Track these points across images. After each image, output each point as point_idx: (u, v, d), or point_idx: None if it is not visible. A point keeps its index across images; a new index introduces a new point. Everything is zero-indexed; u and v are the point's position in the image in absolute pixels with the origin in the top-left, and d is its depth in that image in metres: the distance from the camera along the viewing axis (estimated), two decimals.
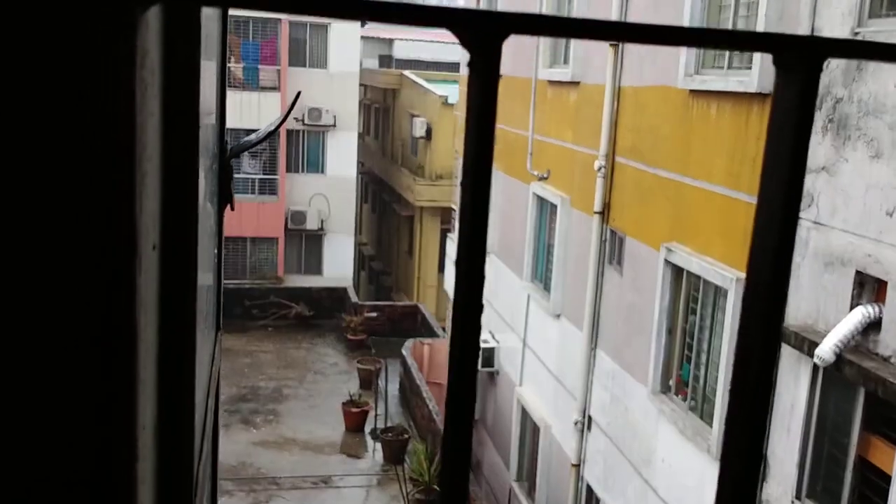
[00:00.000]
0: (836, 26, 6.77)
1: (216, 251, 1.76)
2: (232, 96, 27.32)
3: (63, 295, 0.57)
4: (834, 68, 6.80)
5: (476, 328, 0.50)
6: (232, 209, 1.89)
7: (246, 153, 24.82)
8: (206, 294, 1.49)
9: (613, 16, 10.39)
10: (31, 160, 0.54)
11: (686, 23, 8.79)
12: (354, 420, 18.02)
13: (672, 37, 0.58)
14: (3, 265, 0.55)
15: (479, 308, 0.50)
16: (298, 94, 3.15)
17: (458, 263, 0.51)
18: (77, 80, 0.54)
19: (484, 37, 0.51)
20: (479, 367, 15.01)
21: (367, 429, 18.04)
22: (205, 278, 1.46)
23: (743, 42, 0.59)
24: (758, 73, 7.56)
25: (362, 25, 27.34)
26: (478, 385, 15.87)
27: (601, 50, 10.78)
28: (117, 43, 0.54)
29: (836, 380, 6.63)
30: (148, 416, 0.76)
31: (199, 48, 0.89)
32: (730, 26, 8.32)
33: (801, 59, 0.53)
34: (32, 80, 0.53)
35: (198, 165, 0.95)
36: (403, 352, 19.44)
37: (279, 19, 25.47)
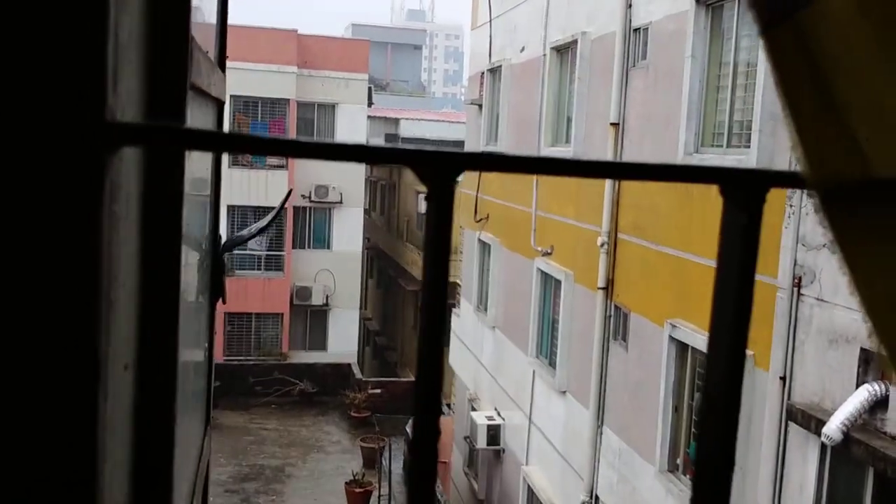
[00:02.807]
0: None
1: (207, 345, 1.78)
2: (240, 174, 27.60)
3: (20, 420, 0.58)
4: None
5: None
6: (224, 303, 1.91)
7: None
8: (191, 390, 1.50)
9: (614, 95, 10.59)
10: None
11: (685, 102, 8.96)
12: (358, 500, 17.70)
13: (620, 171, 0.61)
14: None
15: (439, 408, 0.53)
16: (289, 191, 3.22)
17: (418, 368, 0.53)
18: (45, 220, 0.56)
19: (439, 174, 0.55)
20: (485, 444, 14.80)
21: None
22: (190, 374, 1.47)
23: (693, 175, 0.62)
24: (756, 151, 7.67)
25: (369, 106, 27.85)
26: (484, 463, 15.65)
27: (602, 129, 10.96)
28: (83, 185, 0.57)
29: (844, 459, 6.53)
30: None
31: (181, 181, 0.92)
32: (727, 106, 8.47)
33: (746, 189, 0.56)
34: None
35: (179, 283, 0.97)
36: (407, 430, 19.21)
37: (287, 100, 25.99)
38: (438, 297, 0.53)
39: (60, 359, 0.58)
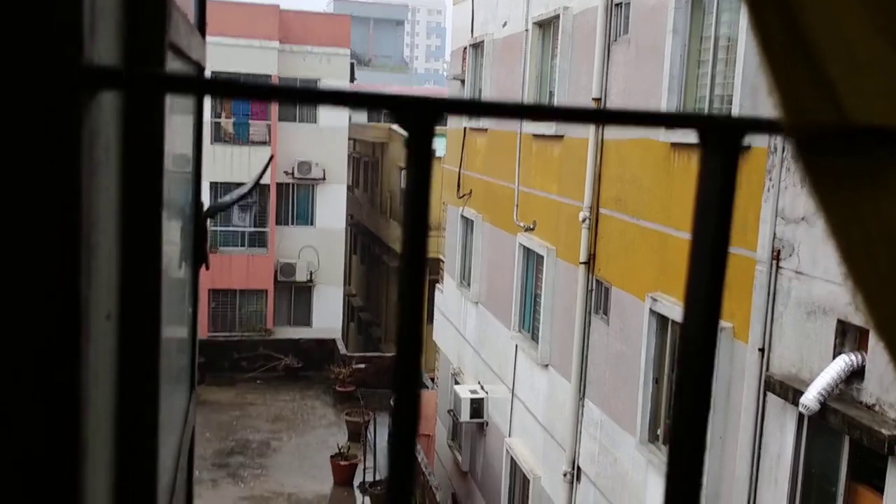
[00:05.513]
0: None
1: (191, 309, 1.80)
2: (223, 150, 27.32)
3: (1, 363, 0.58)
4: None
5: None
6: (207, 268, 1.92)
7: (236, 207, 24.90)
8: (175, 353, 1.51)
9: (596, 70, 10.59)
10: None
11: (666, 76, 8.97)
12: (343, 473, 17.81)
13: (600, 117, 0.63)
14: None
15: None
16: (271, 157, 3.23)
17: (398, 323, 0.54)
18: (23, 163, 0.57)
19: (418, 118, 0.53)
20: (469, 417, 14.90)
21: (356, 482, 17.81)
22: (174, 337, 1.49)
23: (670, 121, 0.63)
24: None
25: (351, 81, 27.67)
26: (467, 436, 15.75)
27: (584, 103, 10.96)
28: (61, 127, 0.57)
29: (821, 429, 6.63)
30: (101, 483, 0.78)
31: (161, 127, 0.93)
32: (708, 80, 8.49)
33: (723, 135, 0.57)
34: None
35: (160, 229, 0.98)
36: (392, 403, 19.27)
37: (269, 75, 25.78)
38: (418, 249, 0.52)
39: (42, 302, 0.58)
